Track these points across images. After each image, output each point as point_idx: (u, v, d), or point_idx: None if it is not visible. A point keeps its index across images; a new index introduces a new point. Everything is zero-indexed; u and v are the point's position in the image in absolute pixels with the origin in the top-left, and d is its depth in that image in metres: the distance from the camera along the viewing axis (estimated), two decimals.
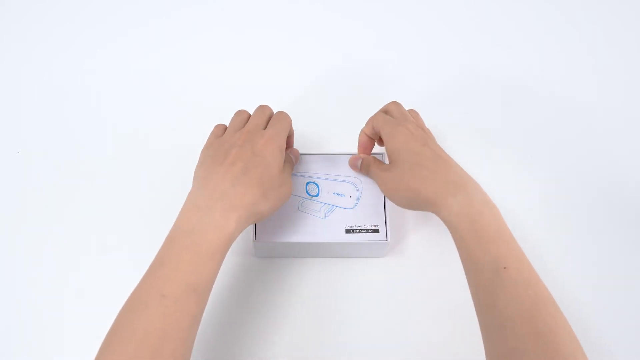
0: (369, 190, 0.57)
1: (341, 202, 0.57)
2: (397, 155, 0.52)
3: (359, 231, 0.56)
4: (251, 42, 0.77)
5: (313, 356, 0.58)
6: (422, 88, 0.74)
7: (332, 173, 0.57)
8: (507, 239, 0.47)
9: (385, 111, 0.58)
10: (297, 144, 0.62)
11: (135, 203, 0.66)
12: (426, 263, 0.62)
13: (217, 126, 0.56)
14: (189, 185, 0.64)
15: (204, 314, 0.58)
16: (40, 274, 0.62)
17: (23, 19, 0.78)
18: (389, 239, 0.57)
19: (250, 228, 0.58)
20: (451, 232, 0.50)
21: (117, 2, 0.79)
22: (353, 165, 0.58)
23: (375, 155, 0.60)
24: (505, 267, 0.45)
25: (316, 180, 0.57)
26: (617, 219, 0.66)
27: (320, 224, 0.56)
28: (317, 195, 0.57)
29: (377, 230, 0.56)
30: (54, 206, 0.66)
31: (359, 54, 0.77)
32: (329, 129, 0.69)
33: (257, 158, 0.49)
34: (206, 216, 0.46)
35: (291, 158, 0.57)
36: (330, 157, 0.58)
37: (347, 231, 0.56)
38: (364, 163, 0.57)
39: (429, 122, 0.66)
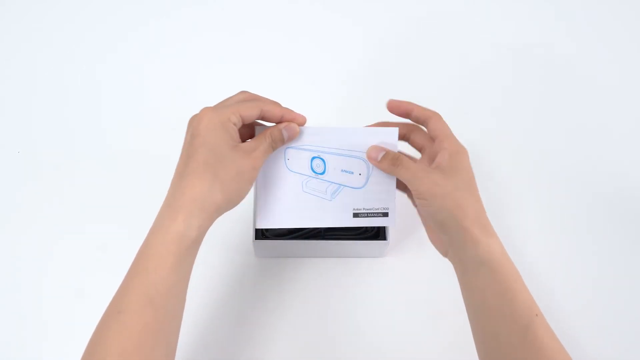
0: None
1: (349, 181, 0.52)
2: (456, 172, 0.47)
3: (367, 215, 0.52)
4: (251, 43, 0.77)
5: (312, 356, 0.58)
6: (423, 88, 0.74)
7: (340, 147, 0.51)
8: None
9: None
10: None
11: (135, 203, 0.66)
12: (426, 263, 0.62)
13: None
14: None
15: (205, 313, 0.59)
16: (40, 274, 0.62)
17: (23, 20, 0.78)
18: (389, 239, 0.57)
19: (250, 225, 0.58)
20: (482, 272, 0.46)
21: (116, 3, 0.79)
22: (372, 156, 0.50)
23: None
24: (537, 315, 0.45)
25: (322, 155, 0.51)
26: (616, 221, 0.66)
27: (327, 207, 0.52)
28: (323, 173, 0.52)
29: (385, 214, 0.53)
30: (54, 206, 0.66)
31: (359, 54, 0.77)
32: None
33: (195, 139, 0.44)
34: (155, 225, 0.44)
35: (281, 134, 0.48)
36: (338, 130, 0.52)
37: (355, 215, 0.52)
38: (390, 155, 0.49)
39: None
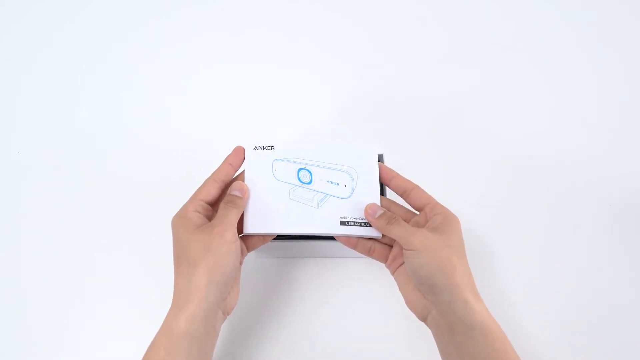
0: (364, 180, 0.53)
1: (336, 191, 0.53)
2: (448, 234, 0.48)
3: (354, 223, 0.52)
4: (251, 43, 0.77)
5: (311, 356, 0.58)
6: (425, 88, 0.74)
7: (326, 161, 0.53)
8: None
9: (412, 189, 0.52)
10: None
11: (135, 202, 0.66)
12: None
13: None
14: (188, 184, 0.65)
15: None
16: (40, 273, 0.62)
17: (23, 20, 0.78)
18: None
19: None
20: (472, 335, 0.45)
21: (116, 3, 0.80)
22: (369, 214, 0.51)
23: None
24: None
25: (309, 167, 0.53)
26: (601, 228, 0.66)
27: (314, 215, 0.52)
28: (309, 183, 0.53)
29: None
30: (54, 206, 0.66)
31: (359, 54, 0.77)
32: (328, 131, 0.70)
33: (173, 242, 0.48)
34: None
35: (233, 196, 0.50)
36: (324, 145, 0.54)
37: (342, 223, 0.52)
38: (387, 214, 0.50)
39: (424, 127, 0.67)
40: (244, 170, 0.53)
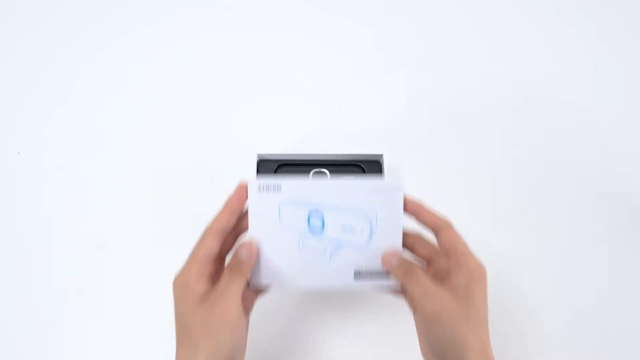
0: (385, 221, 0.47)
1: (350, 239, 0.47)
2: (470, 300, 0.45)
3: (370, 276, 0.48)
4: (251, 43, 0.77)
5: (312, 356, 0.58)
6: (431, 89, 0.74)
7: (340, 202, 0.47)
8: None
9: (441, 228, 0.47)
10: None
11: (135, 202, 0.66)
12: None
13: None
14: (188, 185, 0.64)
15: None
16: (40, 274, 0.62)
17: (23, 19, 0.78)
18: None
19: None
20: None
21: (116, 3, 0.80)
22: (387, 260, 0.47)
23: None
24: None
25: (321, 211, 0.47)
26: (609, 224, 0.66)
27: (325, 268, 0.48)
28: (321, 231, 0.47)
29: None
30: (54, 206, 0.66)
31: (360, 55, 0.77)
32: (329, 131, 0.70)
33: (174, 311, 0.45)
34: None
35: (239, 260, 0.46)
36: (338, 183, 0.48)
37: (356, 275, 0.48)
38: (406, 264, 0.46)
39: (424, 130, 0.68)
40: (247, 213, 0.47)
